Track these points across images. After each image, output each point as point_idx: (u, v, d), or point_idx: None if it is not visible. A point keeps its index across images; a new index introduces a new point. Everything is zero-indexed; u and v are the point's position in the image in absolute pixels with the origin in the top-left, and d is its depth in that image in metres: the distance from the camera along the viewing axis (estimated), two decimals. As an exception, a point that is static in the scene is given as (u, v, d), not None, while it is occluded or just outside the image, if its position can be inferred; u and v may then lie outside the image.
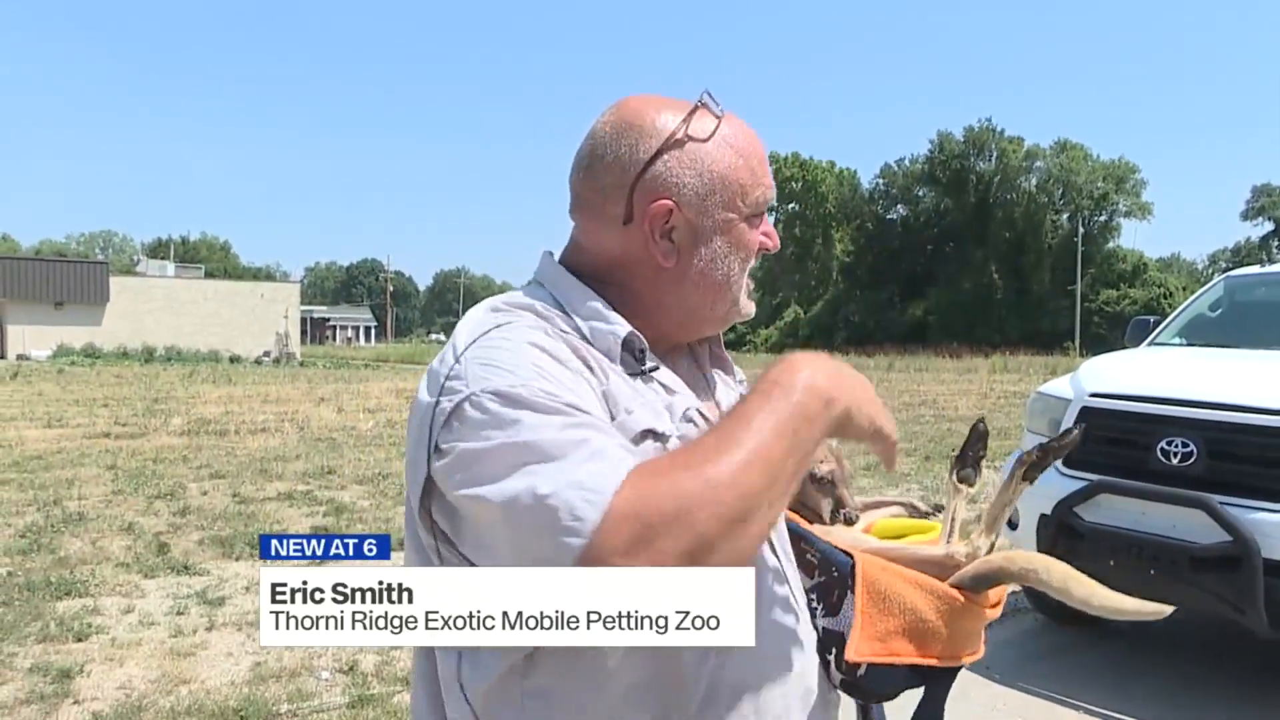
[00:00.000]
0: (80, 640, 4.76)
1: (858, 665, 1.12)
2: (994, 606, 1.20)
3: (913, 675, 1.15)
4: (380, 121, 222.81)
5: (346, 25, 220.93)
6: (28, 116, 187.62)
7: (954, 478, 1.27)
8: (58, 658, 4.50)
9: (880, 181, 77.54)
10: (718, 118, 1.12)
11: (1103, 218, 69.79)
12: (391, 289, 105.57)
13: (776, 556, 1.13)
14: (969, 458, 1.26)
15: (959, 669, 1.19)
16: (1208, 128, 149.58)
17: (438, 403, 0.95)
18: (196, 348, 43.22)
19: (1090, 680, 4.44)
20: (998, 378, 29.80)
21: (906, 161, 76.02)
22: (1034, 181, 71.14)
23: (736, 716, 1.02)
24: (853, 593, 1.13)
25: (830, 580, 1.17)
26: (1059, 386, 4.96)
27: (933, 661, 1.13)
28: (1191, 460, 4.07)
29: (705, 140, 1.10)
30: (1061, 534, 4.30)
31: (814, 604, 1.17)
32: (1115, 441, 4.43)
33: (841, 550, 1.19)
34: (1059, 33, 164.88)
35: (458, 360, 0.98)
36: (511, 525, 0.87)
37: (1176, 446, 4.12)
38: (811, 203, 75.93)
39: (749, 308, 1.18)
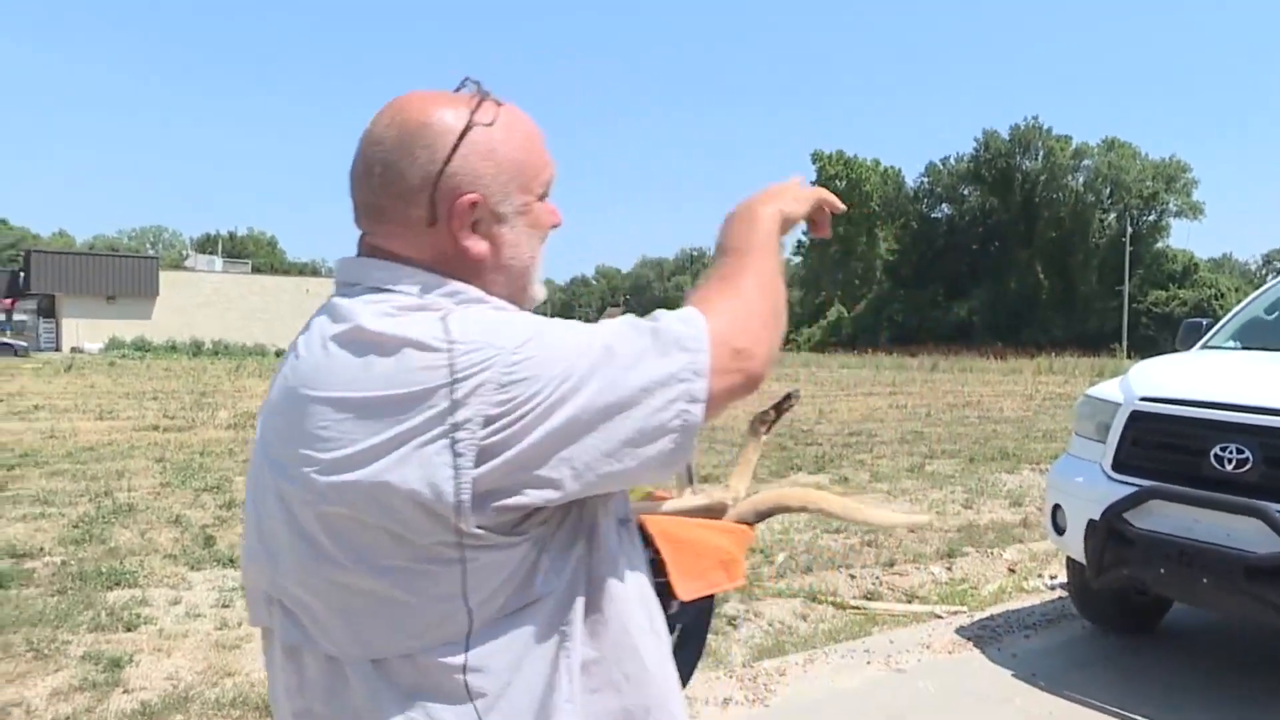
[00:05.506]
0: (129, 630, 4.85)
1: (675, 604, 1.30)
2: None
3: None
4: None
5: (399, 24, 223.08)
6: (82, 114, 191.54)
7: (754, 423, 1.56)
8: (108, 647, 4.58)
9: (925, 180, 76.92)
10: (499, 105, 1.13)
11: (1152, 217, 68.63)
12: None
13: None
14: (769, 412, 1.54)
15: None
16: (1262, 126, 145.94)
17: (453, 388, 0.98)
18: (243, 341, 43.97)
19: (1138, 690, 4.35)
20: (1043, 379, 29.43)
21: (952, 160, 75.38)
22: (1081, 180, 70.12)
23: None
24: (650, 547, 1.26)
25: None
26: (1108, 389, 4.86)
27: (739, 583, 1.38)
28: (1247, 467, 3.97)
29: (493, 129, 1.11)
30: (1111, 540, 4.22)
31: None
32: (1167, 446, 4.34)
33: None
34: (1108, 30, 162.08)
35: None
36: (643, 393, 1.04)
37: (1232, 453, 4.02)
38: (855, 201, 75.24)
39: (541, 292, 1.22)
